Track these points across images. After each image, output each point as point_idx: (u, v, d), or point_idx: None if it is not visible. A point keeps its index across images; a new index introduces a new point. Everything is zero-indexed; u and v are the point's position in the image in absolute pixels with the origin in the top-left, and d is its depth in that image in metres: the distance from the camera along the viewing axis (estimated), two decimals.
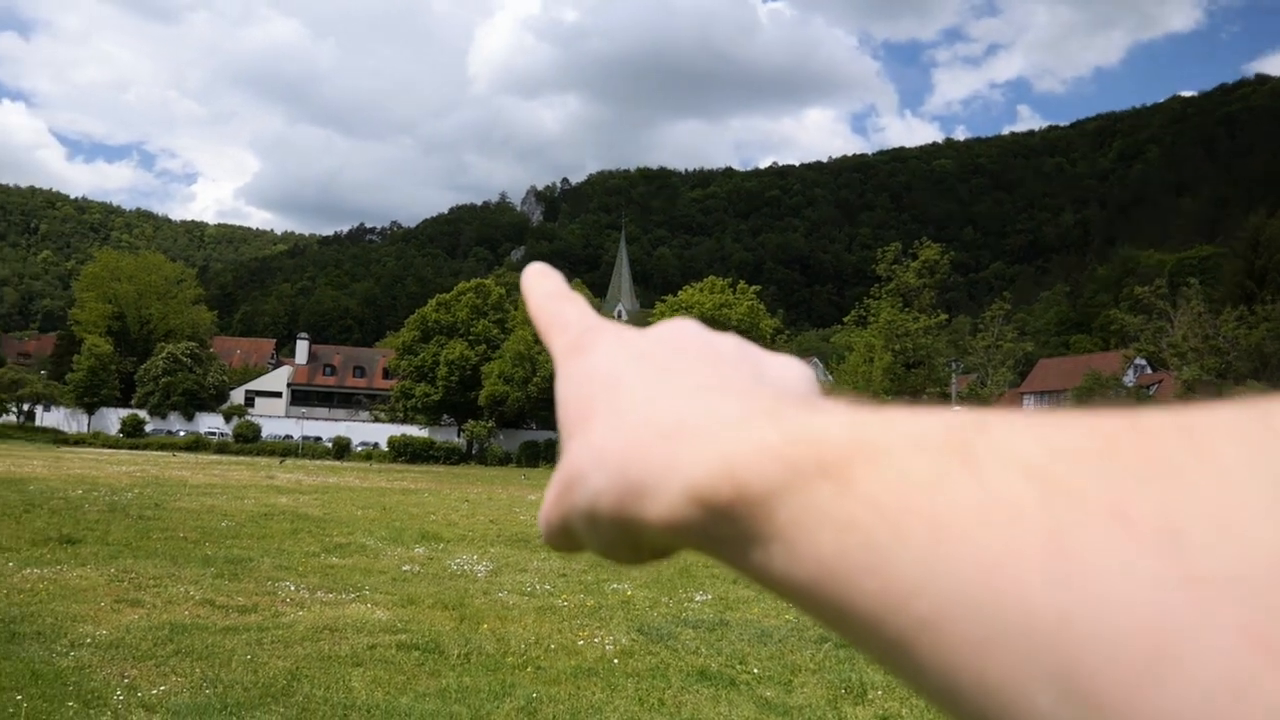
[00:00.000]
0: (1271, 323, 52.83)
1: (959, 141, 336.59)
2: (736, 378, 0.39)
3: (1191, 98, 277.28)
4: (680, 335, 0.43)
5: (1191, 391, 54.60)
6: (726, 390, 0.37)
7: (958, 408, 0.30)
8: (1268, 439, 0.23)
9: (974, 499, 0.25)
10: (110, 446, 63.62)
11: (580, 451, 0.37)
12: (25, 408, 75.81)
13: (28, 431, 69.37)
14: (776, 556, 0.29)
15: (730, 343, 0.43)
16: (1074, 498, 0.24)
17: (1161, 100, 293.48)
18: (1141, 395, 59.95)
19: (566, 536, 0.40)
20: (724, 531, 0.31)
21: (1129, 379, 70.08)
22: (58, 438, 68.35)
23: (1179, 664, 0.21)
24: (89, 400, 74.10)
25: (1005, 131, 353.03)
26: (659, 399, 0.36)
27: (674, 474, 0.32)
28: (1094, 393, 57.15)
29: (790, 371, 0.43)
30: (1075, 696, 0.22)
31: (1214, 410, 0.25)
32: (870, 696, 7.10)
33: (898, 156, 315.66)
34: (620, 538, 0.36)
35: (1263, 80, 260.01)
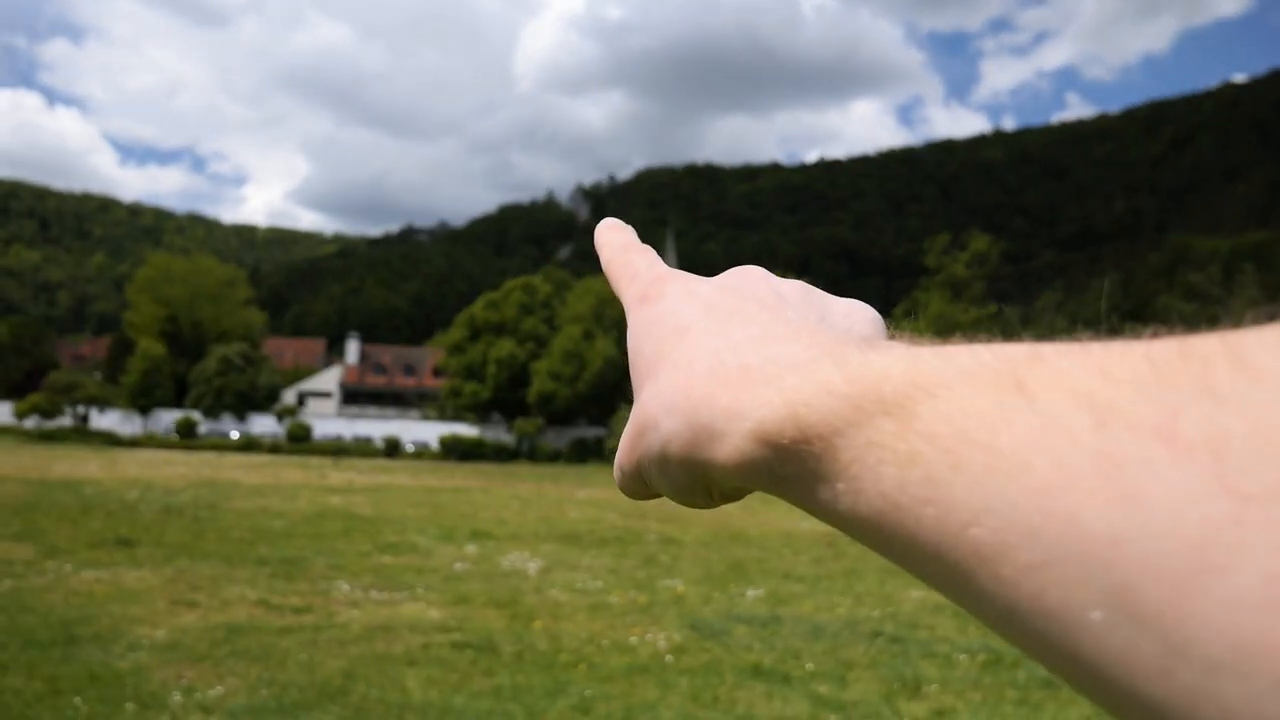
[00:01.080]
0: None
1: (1007, 132, 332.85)
2: (801, 322, 0.40)
3: (1243, 83, 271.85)
4: (746, 281, 0.44)
5: None
6: (791, 334, 0.38)
7: (1016, 340, 0.31)
8: None
9: (1028, 427, 0.25)
10: (165, 448, 64.49)
11: (651, 399, 0.39)
12: (80, 410, 76.98)
13: (83, 434, 70.39)
14: (842, 494, 0.30)
15: (795, 286, 0.45)
16: (1123, 421, 0.24)
17: (1213, 86, 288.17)
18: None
19: (639, 482, 0.42)
20: (790, 470, 0.32)
21: None
22: (113, 440, 69.35)
23: (1221, 573, 0.21)
24: (143, 402, 75.18)
25: (1054, 120, 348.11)
26: (725, 345, 0.38)
27: (741, 417, 0.34)
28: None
29: (855, 314, 0.44)
30: (1125, 610, 0.22)
31: (1262, 331, 0.25)
32: (925, 691, 6.98)
33: (946, 148, 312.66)
34: (691, 481, 0.38)
35: None
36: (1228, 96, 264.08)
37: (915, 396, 0.29)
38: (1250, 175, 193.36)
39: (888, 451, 0.29)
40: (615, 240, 0.51)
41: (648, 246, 0.50)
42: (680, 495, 0.40)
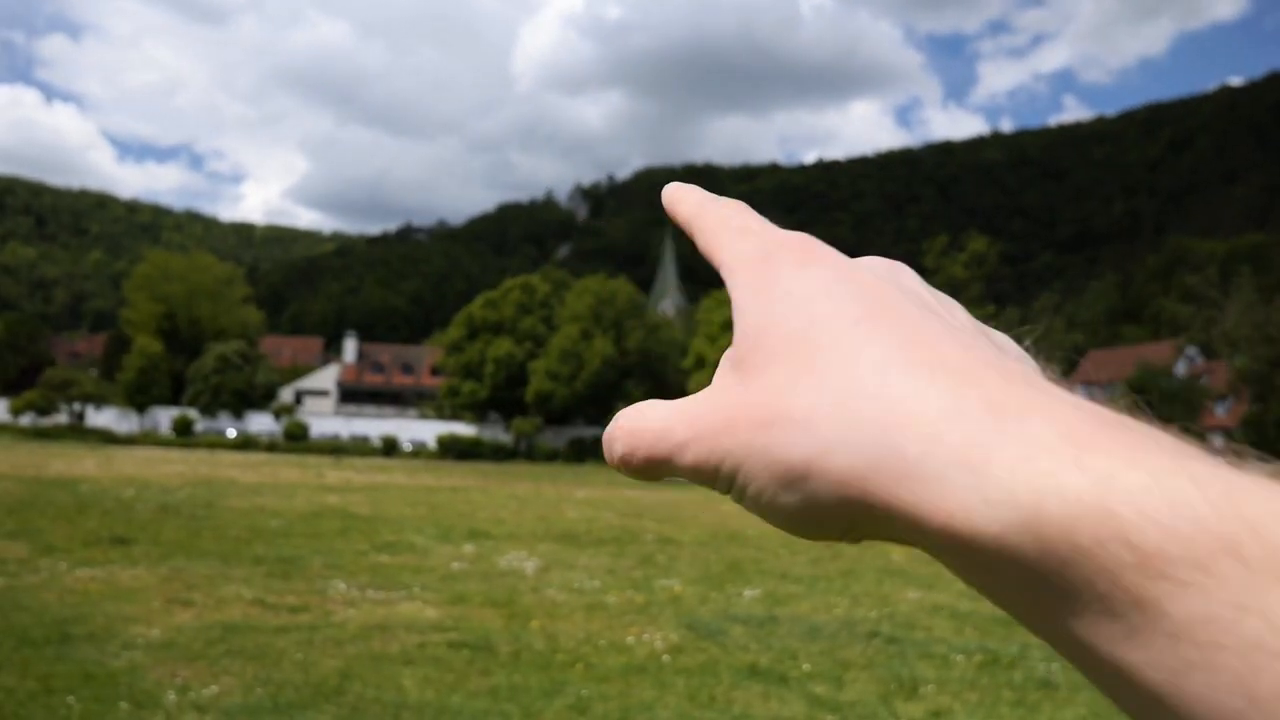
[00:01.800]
0: None
1: (1006, 133, 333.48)
2: (980, 350, 0.32)
3: (1240, 86, 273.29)
4: (902, 277, 0.38)
5: (1244, 380, 54.28)
6: (992, 374, 0.30)
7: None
8: None
9: None
10: (161, 446, 64.43)
11: (810, 395, 0.30)
12: (76, 408, 76.79)
13: (79, 432, 70.28)
14: (1153, 651, 0.23)
15: (950, 302, 0.39)
16: None
17: (1210, 89, 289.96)
18: (1196, 387, 59.21)
19: (704, 479, 0.33)
20: (1053, 581, 0.25)
21: (1180, 369, 69.48)
22: (109, 437, 69.26)
23: None
24: (139, 400, 75.08)
25: (1051, 122, 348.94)
26: (941, 358, 0.30)
27: (1000, 485, 0.26)
28: (1145, 384, 56.79)
29: (1011, 345, 0.39)
30: None
31: None
32: (922, 692, 6.98)
33: (944, 149, 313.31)
34: (830, 516, 0.30)
35: None
36: (1225, 99, 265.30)
37: (1236, 553, 0.22)
38: (1248, 178, 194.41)
39: (1218, 625, 0.22)
40: (693, 196, 0.43)
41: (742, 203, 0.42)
42: (788, 522, 0.32)
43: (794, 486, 0.30)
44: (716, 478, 0.32)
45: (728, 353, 0.35)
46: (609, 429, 0.36)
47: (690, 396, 0.35)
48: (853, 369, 0.30)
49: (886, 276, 0.36)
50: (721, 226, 0.40)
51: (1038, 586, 0.25)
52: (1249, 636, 0.21)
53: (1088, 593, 0.24)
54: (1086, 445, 0.26)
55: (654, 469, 0.34)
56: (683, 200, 0.43)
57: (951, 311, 0.37)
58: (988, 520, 0.26)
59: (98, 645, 7.38)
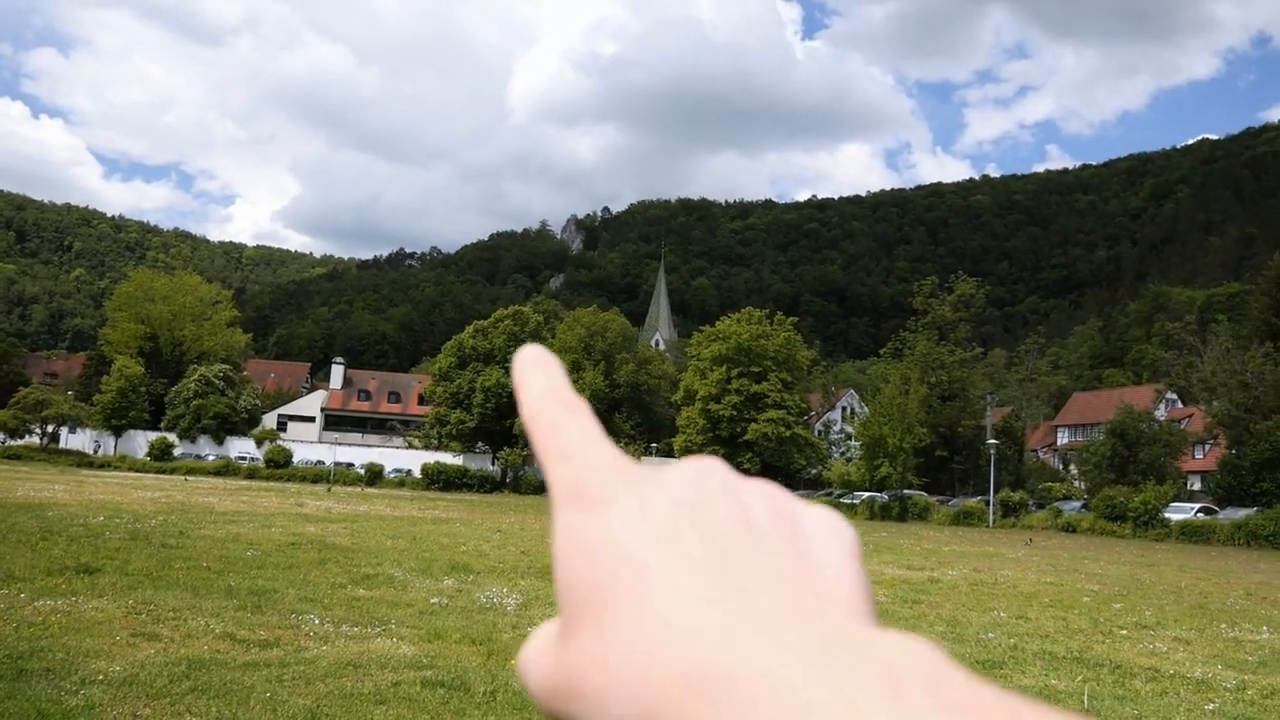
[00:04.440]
0: None
1: (994, 178, 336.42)
2: (782, 579, 0.33)
3: (1219, 140, 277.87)
4: (706, 494, 0.37)
5: (1221, 425, 54.94)
6: (777, 617, 0.31)
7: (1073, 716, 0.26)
8: None
9: None
10: (137, 470, 63.75)
11: (592, 662, 0.32)
12: (50, 429, 75.68)
13: (51, 454, 69.41)
14: None
15: (762, 498, 0.38)
16: None
17: (1190, 142, 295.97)
18: (1175, 430, 59.74)
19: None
20: None
21: (1160, 413, 70.13)
22: (82, 460, 68.48)
23: None
24: (116, 423, 74.11)
25: (1037, 169, 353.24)
26: (698, 624, 0.31)
27: None
28: (1127, 426, 57.35)
29: (832, 543, 0.38)
30: None
31: None
32: None
33: (935, 192, 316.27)
34: None
35: None
36: (1205, 153, 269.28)
37: None
38: (1225, 229, 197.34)
39: None
40: (539, 384, 0.41)
41: (580, 402, 0.41)
42: None
43: None
44: None
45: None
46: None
47: (542, 638, 0.36)
48: (629, 633, 0.32)
49: (690, 501, 0.36)
50: (543, 445, 0.39)
51: None
52: None
53: None
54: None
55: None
56: (522, 387, 0.42)
57: (761, 517, 0.37)
58: None
59: (54, 681, 7.03)
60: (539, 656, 0.35)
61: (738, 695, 0.28)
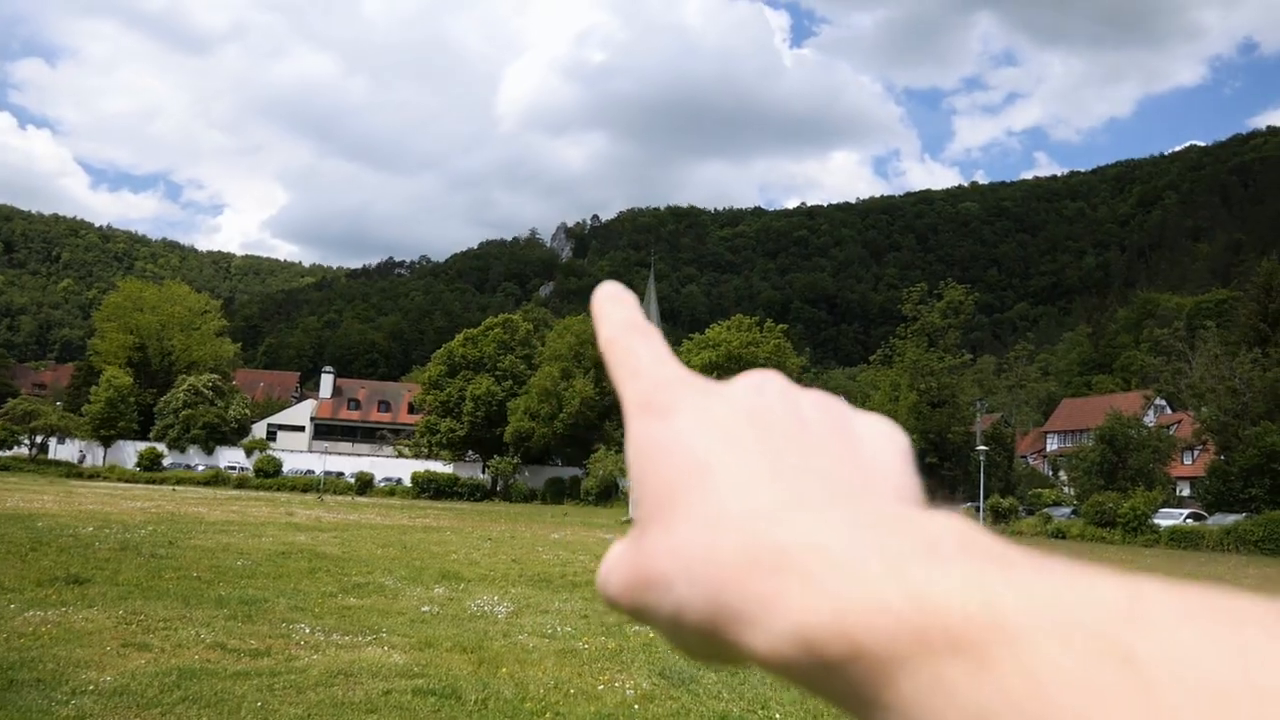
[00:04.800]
0: None
1: (983, 185, 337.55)
2: (834, 472, 0.37)
3: (1207, 147, 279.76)
4: (765, 398, 0.41)
5: (1210, 430, 55.12)
6: (827, 499, 0.34)
7: (1099, 566, 0.28)
8: None
9: None
10: (126, 481, 63.44)
11: (663, 551, 0.35)
12: (39, 440, 75.08)
13: (40, 465, 68.96)
14: None
15: (817, 409, 0.41)
16: None
17: (1178, 149, 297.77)
18: (1164, 436, 59.93)
19: (635, 618, 0.38)
20: (832, 681, 0.30)
21: (1150, 419, 70.36)
22: (71, 471, 68.09)
23: None
24: (106, 433, 73.65)
25: (1026, 176, 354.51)
26: (755, 509, 0.34)
27: (779, 614, 0.31)
28: (1116, 432, 57.49)
29: (883, 444, 0.41)
30: None
31: None
32: None
33: (924, 199, 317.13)
34: (709, 650, 0.34)
35: (1274, 131, 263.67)
36: (1192, 159, 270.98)
37: (991, 640, 0.26)
38: (1212, 235, 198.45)
39: (958, 700, 0.26)
40: (616, 316, 0.46)
41: (652, 327, 0.45)
42: (688, 651, 0.36)
43: (677, 635, 0.35)
44: (644, 623, 0.38)
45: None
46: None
47: (617, 550, 0.39)
48: (694, 524, 0.35)
49: (749, 407, 0.40)
50: (619, 366, 0.43)
51: (825, 692, 0.30)
52: (936, 701, 0.26)
53: (848, 688, 0.29)
54: (847, 567, 0.30)
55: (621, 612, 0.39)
56: (601, 322, 0.46)
57: (816, 420, 0.40)
58: (778, 649, 0.31)
59: (45, 692, 7.03)
60: (616, 563, 0.38)
61: (790, 564, 0.31)
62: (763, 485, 0.35)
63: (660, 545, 0.35)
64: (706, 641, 0.34)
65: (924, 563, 0.30)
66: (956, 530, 0.31)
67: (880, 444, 0.41)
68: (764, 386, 0.41)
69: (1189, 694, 0.22)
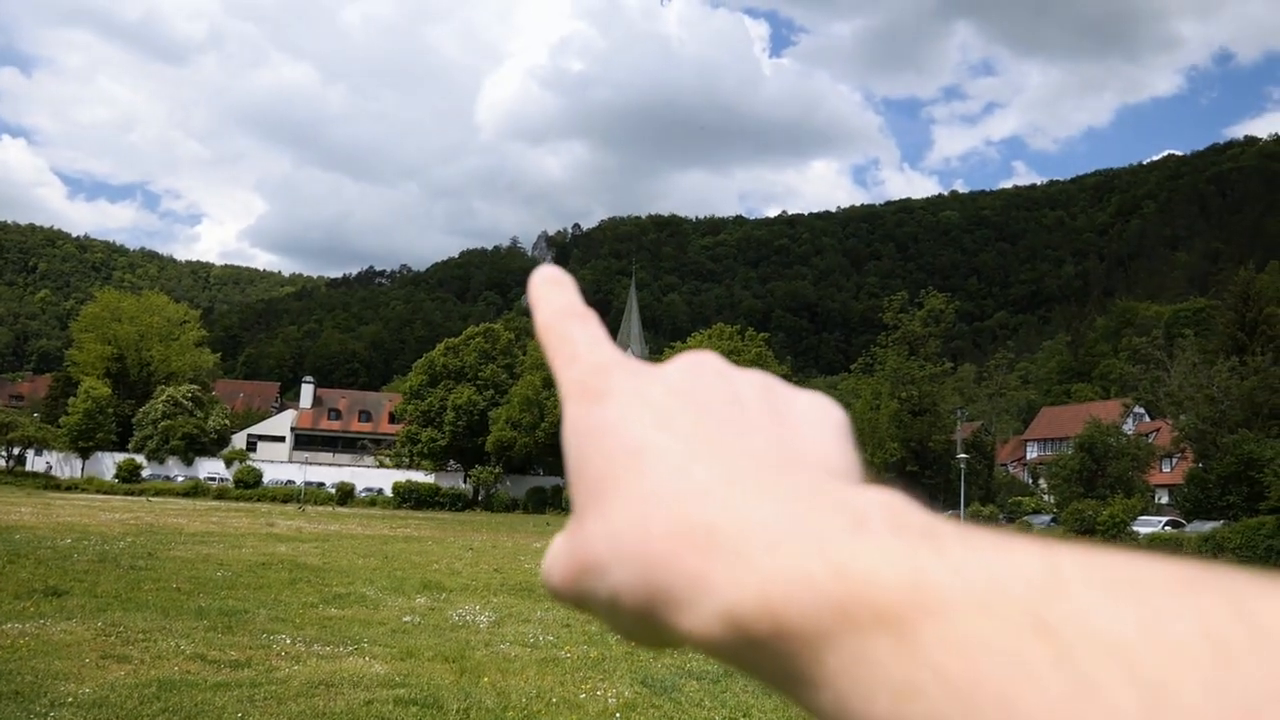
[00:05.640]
0: (1262, 374, 53.94)
1: (963, 194, 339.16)
2: (767, 451, 0.37)
3: (1184, 156, 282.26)
4: (701, 380, 0.41)
5: (1188, 438, 55.52)
6: (759, 478, 0.34)
7: (1025, 534, 0.29)
8: None
9: (1059, 689, 0.23)
10: (104, 492, 62.99)
11: (598, 536, 0.35)
12: (15, 451, 74.47)
13: (17, 476, 68.39)
14: (824, 703, 0.28)
15: (753, 389, 0.41)
16: (1181, 716, 0.21)
17: (1156, 158, 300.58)
18: (1143, 444, 60.28)
19: (579, 608, 0.37)
20: (762, 661, 0.30)
21: (1128, 427, 70.82)
22: (49, 483, 67.55)
23: None
24: (84, 444, 73.01)
25: (1001, 187, 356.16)
26: (687, 489, 0.34)
27: (708, 592, 0.31)
28: (1095, 440, 57.80)
29: (817, 416, 0.41)
30: None
31: None
32: None
33: (904, 208, 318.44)
34: (645, 632, 0.34)
35: (1251, 141, 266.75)
36: (1171, 169, 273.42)
37: (916, 614, 0.26)
38: (1190, 244, 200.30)
39: (883, 674, 0.26)
40: (553, 301, 0.45)
41: (589, 312, 0.45)
42: (627, 636, 0.36)
43: (615, 619, 0.35)
44: (587, 613, 0.37)
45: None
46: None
47: (558, 542, 0.38)
48: (628, 506, 0.34)
49: (684, 389, 0.40)
50: (555, 349, 0.42)
51: (756, 671, 0.31)
52: (861, 675, 0.27)
53: (776, 666, 0.29)
54: (774, 544, 0.30)
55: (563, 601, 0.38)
56: (537, 305, 0.45)
57: (752, 399, 0.40)
58: (708, 628, 0.31)
59: (23, 705, 6.99)
60: (557, 554, 0.37)
61: (718, 542, 0.31)
62: (696, 466, 0.35)
63: (596, 530, 0.35)
64: (644, 625, 0.34)
65: (850, 538, 0.30)
66: (886, 505, 0.31)
67: (818, 421, 0.41)
68: (700, 368, 0.41)
69: (1100, 654, 0.23)
